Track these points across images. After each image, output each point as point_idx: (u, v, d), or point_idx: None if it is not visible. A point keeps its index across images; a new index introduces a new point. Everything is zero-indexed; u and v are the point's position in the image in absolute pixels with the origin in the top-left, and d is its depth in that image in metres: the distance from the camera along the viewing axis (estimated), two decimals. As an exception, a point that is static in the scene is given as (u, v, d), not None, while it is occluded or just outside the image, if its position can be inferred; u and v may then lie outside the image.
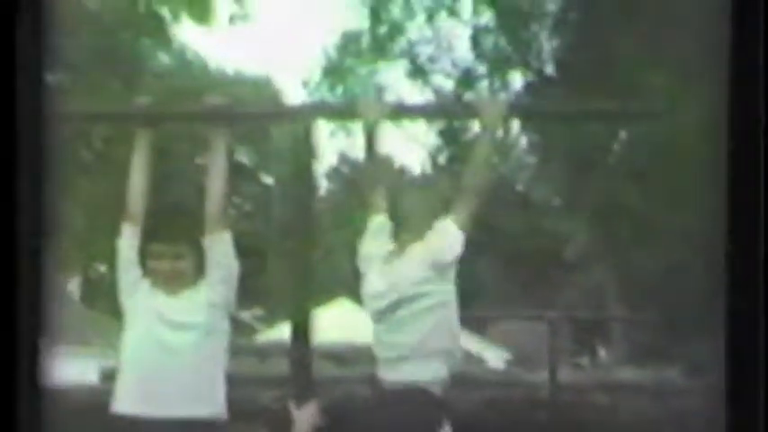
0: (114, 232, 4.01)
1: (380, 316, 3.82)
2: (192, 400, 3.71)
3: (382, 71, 20.55)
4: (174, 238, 3.83)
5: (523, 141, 22.06)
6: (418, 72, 20.11)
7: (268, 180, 33.44)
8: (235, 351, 3.96)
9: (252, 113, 5.27)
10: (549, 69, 19.04)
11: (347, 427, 3.73)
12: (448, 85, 20.04)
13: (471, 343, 15.86)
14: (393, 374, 3.75)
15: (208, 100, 4.28)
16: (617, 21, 15.59)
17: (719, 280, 1.77)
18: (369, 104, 4.25)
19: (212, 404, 3.77)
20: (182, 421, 3.68)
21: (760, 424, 1.72)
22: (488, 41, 19.21)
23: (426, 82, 20.24)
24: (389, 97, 19.16)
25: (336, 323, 11.68)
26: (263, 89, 31.20)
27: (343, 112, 5.73)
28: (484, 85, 19.25)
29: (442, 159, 21.64)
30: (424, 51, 20.06)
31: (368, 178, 4.09)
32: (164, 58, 24.04)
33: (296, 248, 4.21)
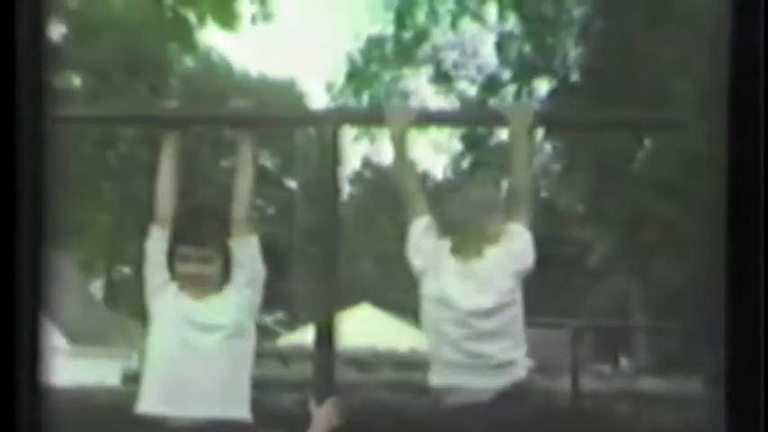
0: (138, 236, 4.02)
1: (473, 322, 3.74)
2: (216, 402, 3.71)
3: (407, 77, 20.54)
4: (201, 241, 3.84)
5: (548, 148, 21.97)
6: (442, 78, 20.07)
7: (291, 184, 33.53)
8: (258, 354, 3.96)
9: (279, 118, 5.27)
10: (575, 76, 18.95)
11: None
12: (472, 91, 19.99)
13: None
14: (492, 381, 3.72)
15: (233, 103, 4.33)
16: (643, 28, 15.51)
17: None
18: (397, 110, 4.23)
19: (237, 406, 3.77)
20: (206, 422, 3.68)
21: (760, 428, 1.70)
22: (513, 48, 19.15)
23: (451, 88, 20.20)
24: (414, 103, 19.13)
25: (360, 328, 11.67)
26: (287, 93, 31.33)
27: (368, 117, 5.71)
28: (509, 91, 19.18)
29: (465, 164, 21.57)
30: (449, 57, 20.03)
31: (405, 181, 4.01)
32: (189, 62, 24.19)
33: (319, 253, 4.19)
